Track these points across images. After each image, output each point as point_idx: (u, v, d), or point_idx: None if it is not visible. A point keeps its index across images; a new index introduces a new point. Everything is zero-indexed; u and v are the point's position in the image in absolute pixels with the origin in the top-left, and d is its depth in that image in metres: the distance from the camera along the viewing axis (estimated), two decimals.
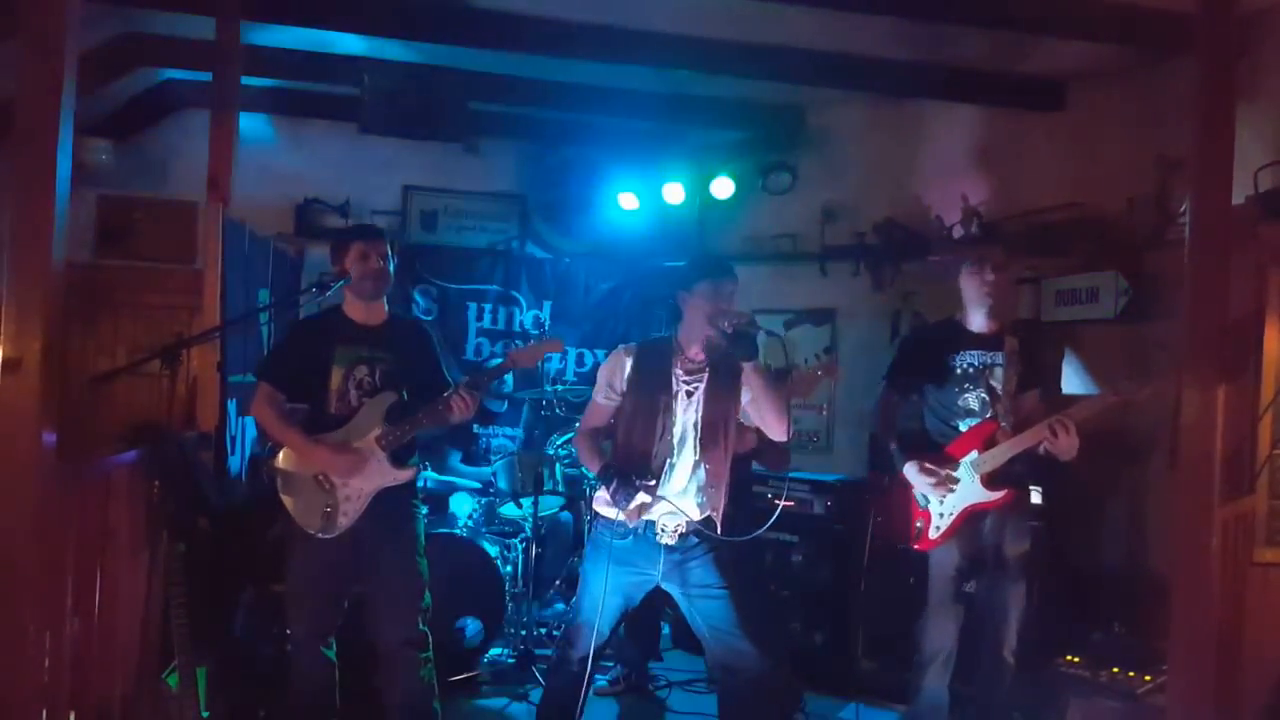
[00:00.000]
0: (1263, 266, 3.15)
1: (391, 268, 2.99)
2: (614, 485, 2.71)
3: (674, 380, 2.78)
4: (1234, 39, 2.83)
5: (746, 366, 2.70)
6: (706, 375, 2.78)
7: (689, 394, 2.77)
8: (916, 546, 3.20)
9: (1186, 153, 3.71)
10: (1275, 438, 3.05)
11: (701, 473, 2.76)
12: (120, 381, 2.97)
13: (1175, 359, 2.97)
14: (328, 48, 4.52)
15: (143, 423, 3.18)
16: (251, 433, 3.89)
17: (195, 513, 3.03)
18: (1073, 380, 4.15)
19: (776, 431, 2.78)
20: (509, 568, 4.26)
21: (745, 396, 2.80)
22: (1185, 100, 3.70)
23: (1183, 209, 3.84)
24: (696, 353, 2.81)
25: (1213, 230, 2.81)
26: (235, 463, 3.73)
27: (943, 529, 3.12)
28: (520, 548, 4.33)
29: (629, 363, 2.82)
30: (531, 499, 4.17)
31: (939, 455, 3.16)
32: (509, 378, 5.00)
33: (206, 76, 3.81)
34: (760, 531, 2.79)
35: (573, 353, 5.47)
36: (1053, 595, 3.45)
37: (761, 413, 2.76)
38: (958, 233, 4.73)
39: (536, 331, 5.35)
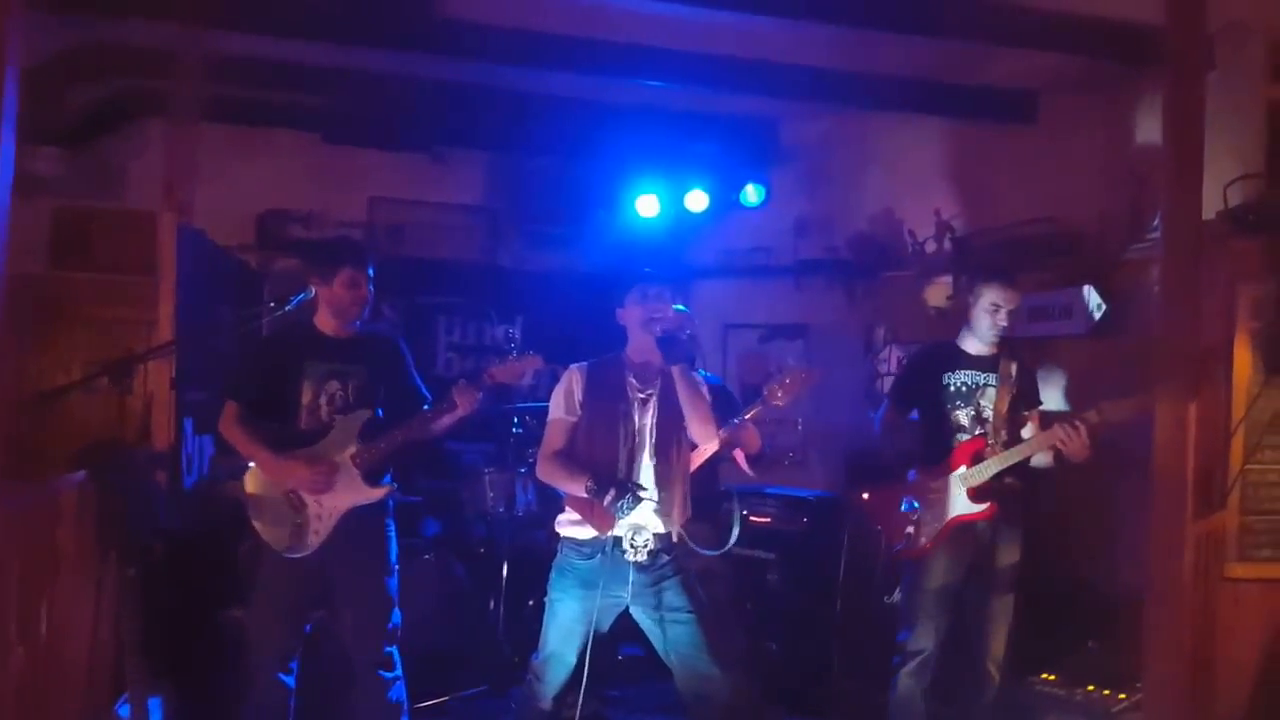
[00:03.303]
0: (1233, 281, 3.15)
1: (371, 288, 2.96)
2: (612, 494, 2.66)
3: (629, 389, 2.81)
4: (1204, 53, 2.83)
5: (674, 370, 2.73)
6: (660, 381, 2.81)
7: (644, 401, 2.80)
8: (907, 553, 3.28)
9: (1156, 168, 3.76)
10: (1247, 453, 3.04)
11: (656, 476, 2.76)
12: (74, 399, 2.88)
13: (1148, 375, 2.98)
14: (291, 56, 4.43)
15: (94, 442, 3.08)
16: (209, 452, 3.78)
17: (148, 535, 2.94)
18: (1048, 396, 4.16)
19: (700, 436, 2.81)
20: (479, 588, 4.17)
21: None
22: (1156, 114, 3.75)
23: (1154, 224, 3.87)
24: (647, 362, 2.83)
25: (1184, 245, 2.81)
26: (191, 483, 3.62)
27: (931, 538, 3.22)
28: (491, 568, 4.23)
29: (582, 379, 2.84)
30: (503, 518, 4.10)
31: (930, 470, 3.26)
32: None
33: (166, 84, 3.72)
34: (730, 544, 2.74)
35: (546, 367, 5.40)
36: (1028, 611, 3.43)
37: (687, 416, 2.77)
38: (930, 247, 4.73)
39: (510, 346, 5.28)
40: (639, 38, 4.04)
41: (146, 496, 2.98)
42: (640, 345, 2.83)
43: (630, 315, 2.83)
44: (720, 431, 2.95)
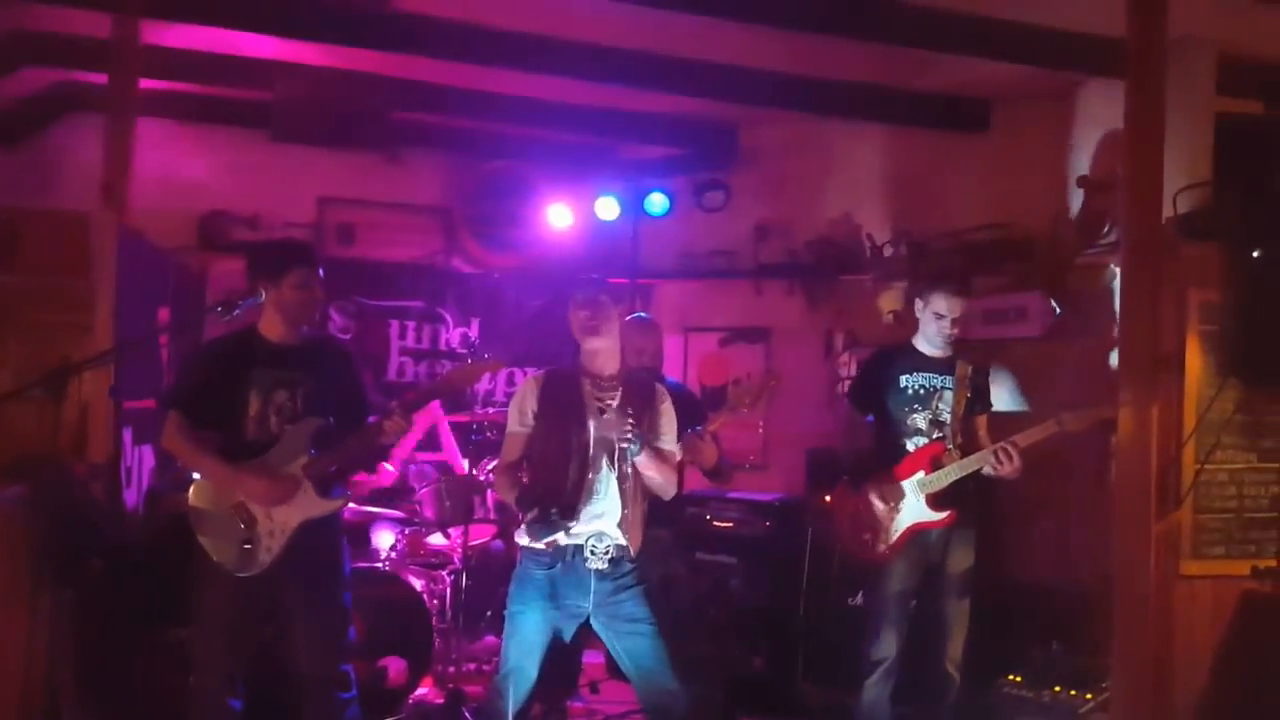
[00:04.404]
0: (1184, 287, 3.22)
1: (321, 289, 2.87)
2: (532, 515, 2.63)
3: (585, 398, 2.75)
4: (1165, 63, 2.87)
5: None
6: (620, 390, 2.76)
7: (601, 410, 2.75)
8: (865, 559, 3.29)
9: (1107, 175, 3.83)
10: (1203, 454, 3.10)
11: (617, 487, 2.71)
12: (5, 409, 2.72)
13: (1106, 379, 3.02)
14: (236, 49, 4.27)
15: (27, 454, 2.91)
16: (149, 463, 3.62)
17: (86, 553, 2.79)
18: (1002, 399, 4.21)
19: (663, 442, 2.79)
20: (435, 602, 4.07)
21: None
22: (1106, 122, 3.83)
23: (1105, 230, 3.95)
24: (606, 370, 2.78)
25: (1144, 252, 2.85)
26: (131, 496, 3.46)
27: (889, 544, 3.23)
28: (448, 580, 4.14)
29: (536, 389, 2.79)
30: (460, 528, 4.00)
31: (888, 474, 3.25)
32: None
33: (102, 77, 3.56)
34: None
35: (503, 372, 5.31)
36: (992, 615, 3.46)
37: (646, 425, 2.75)
38: (887, 252, 4.77)
39: (465, 351, 5.18)
40: (597, 38, 3.99)
41: (84, 512, 2.84)
42: (589, 351, 2.79)
43: (576, 324, 2.78)
44: (680, 443, 2.89)
